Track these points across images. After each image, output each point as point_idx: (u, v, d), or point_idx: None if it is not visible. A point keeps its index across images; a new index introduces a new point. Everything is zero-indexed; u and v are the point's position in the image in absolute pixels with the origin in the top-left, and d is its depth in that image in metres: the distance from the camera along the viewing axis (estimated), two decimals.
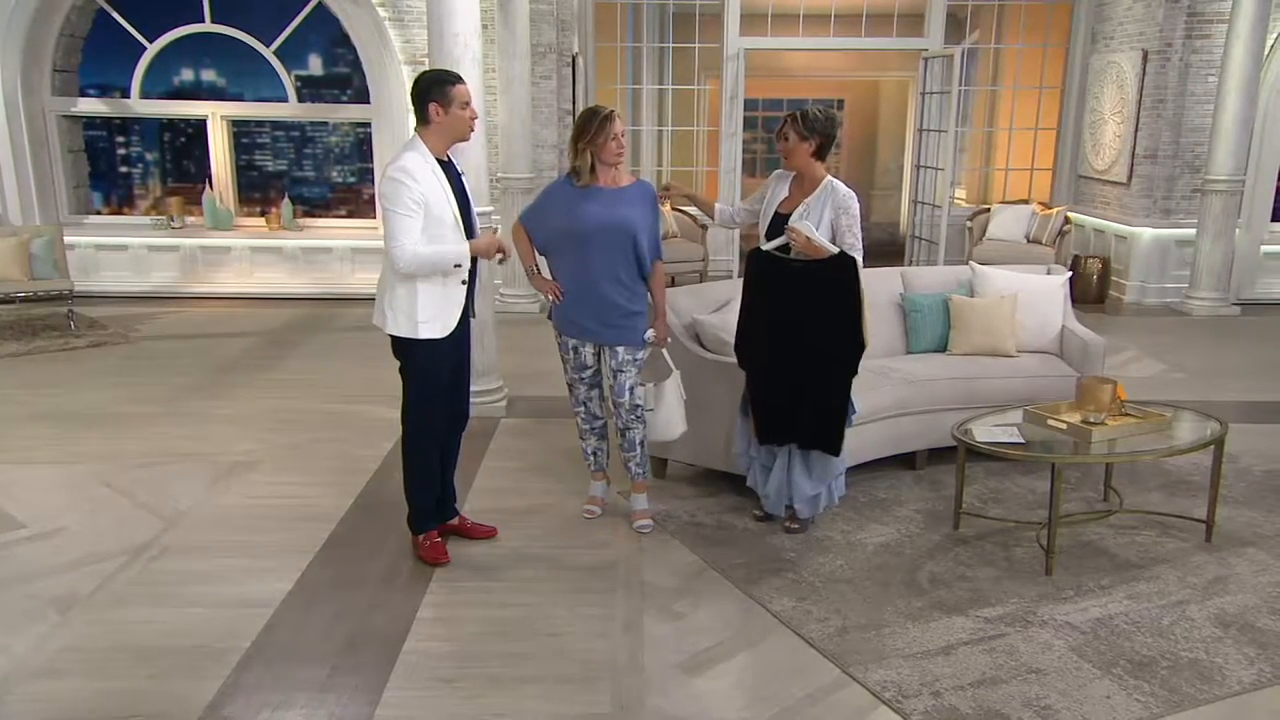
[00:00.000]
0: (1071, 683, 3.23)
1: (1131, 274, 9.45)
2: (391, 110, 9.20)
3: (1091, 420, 4.10)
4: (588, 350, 4.26)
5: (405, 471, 4.05)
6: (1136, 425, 4.17)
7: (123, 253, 9.44)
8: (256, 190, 10.43)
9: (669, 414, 4.31)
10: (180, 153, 10.71)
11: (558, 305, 4.23)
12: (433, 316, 3.79)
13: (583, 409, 4.40)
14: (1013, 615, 3.66)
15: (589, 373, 4.30)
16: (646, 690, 3.19)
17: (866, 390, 4.50)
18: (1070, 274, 5.76)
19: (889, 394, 4.84)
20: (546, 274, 4.29)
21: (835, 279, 4.01)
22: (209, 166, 9.68)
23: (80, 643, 3.45)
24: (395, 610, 3.68)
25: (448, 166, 3.80)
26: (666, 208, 9.31)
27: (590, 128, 4.04)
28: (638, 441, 4.31)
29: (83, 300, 8.47)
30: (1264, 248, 9.56)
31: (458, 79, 3.79)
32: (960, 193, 11.54)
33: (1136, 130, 9.25)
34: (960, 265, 6.14)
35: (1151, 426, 4.20)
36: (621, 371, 4.20)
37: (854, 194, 4.09)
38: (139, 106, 9.63)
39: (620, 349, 4.18)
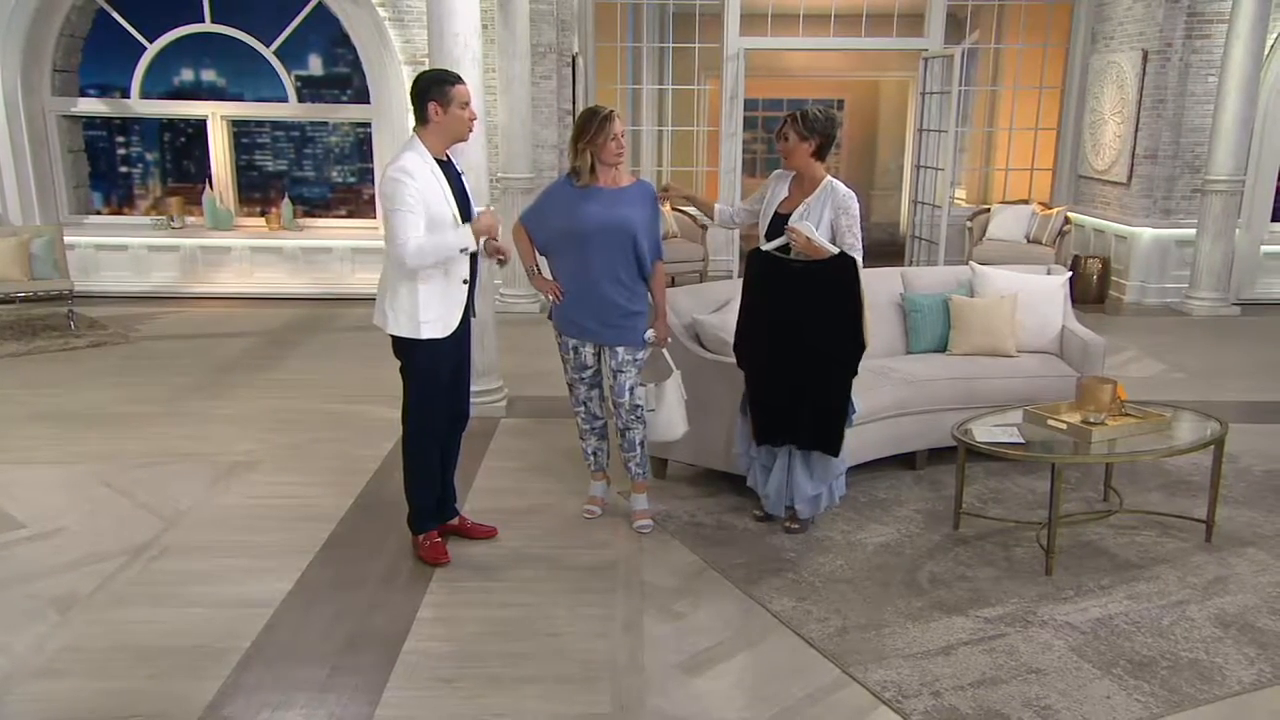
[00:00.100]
0: (1071, 683, 3.23)
1: (1131, 274, 9.45)
2: (391, 110, 9.20)
3: (1091, 420, 4.10)
4: (588, 350, 4.26)
5: (405, 471, 4.05)
6: (1136, 425, 4.17)
7: (123, 253, 9.44)
8: (256, 190, 10.44)
9: (670, 414, 4.31)
10: (180, 153, 10.71)
11: (558, 305, 4.23)
12: (435, 316, 3.79)
13: (583, 409, 4.40)
14: (1013, 615, 3.66)
15: (589, 373, 4.30)
16: (646, 690, 3.19)
17: (866, 390, 4.50)
18: (1070, 274, 5.77)
19: (889, 394, 4.84)
20: (547, 274, 4.29)
21: (835, 279, 4.01)
22: (209, 166, 9.68)
23: (80, 643, 3.45)
24: (395, 610, 3.68)
25: (447, 166, 3.80)
26: (666, 208, 9.31)
27: (590, 128, 4.04)
28: (638, 442, 4.31)
29: (83, 300, 8.47)
30: (1264, 248, 9.56)
31: (457, 79, 3.79)
32: (960, 193, 11.54)
33: (1136, 130, 9.25)
34: (960, 265, 6.14)
35: (1151, 426, 4.20)
36: (621, 372, 4.20)
37: (854, 194, 4.09)
38: (139, 106, 9.64)
39: (620, 349, 4.18)
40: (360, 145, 10.34)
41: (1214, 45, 8.88)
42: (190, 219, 9.65)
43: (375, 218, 9.71)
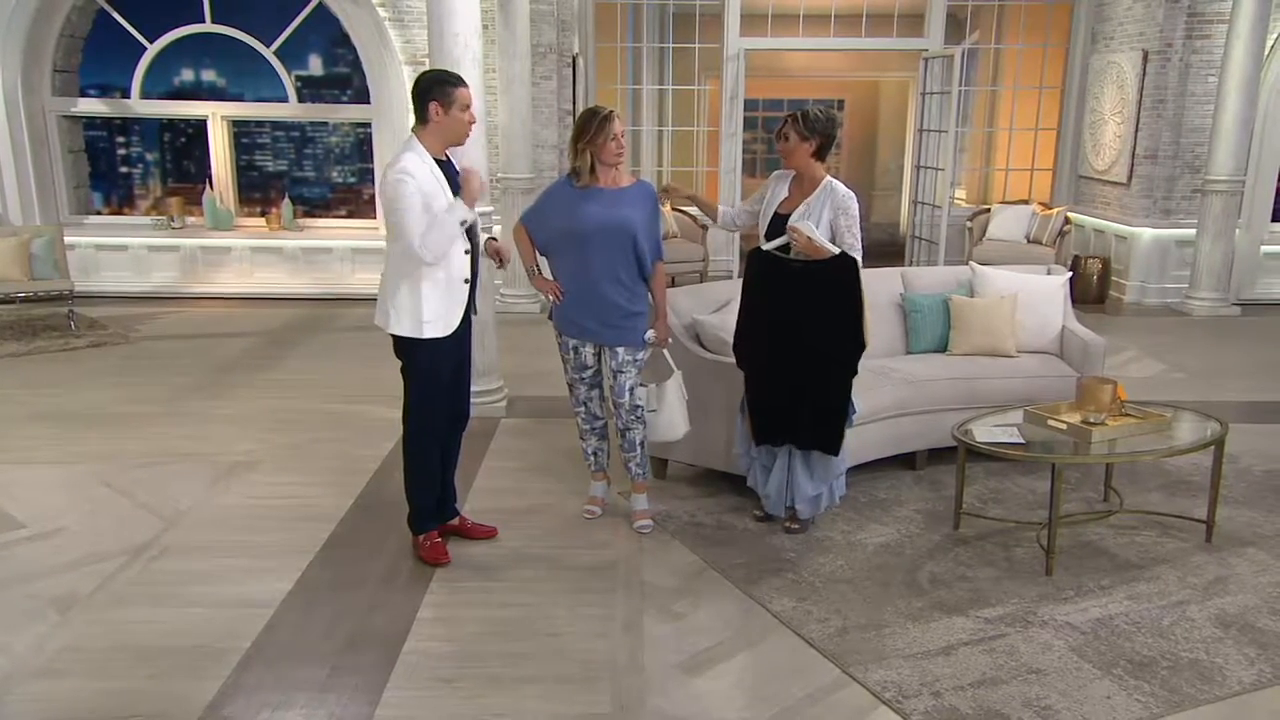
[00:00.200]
0: (1072, 683, 3.23)
1: (1131, 274, 9.45)
2: (392, 110, 9.20)
3: (1091, 420, 4.09)
4: (588, 350, 4.26)
5: (406, 471, 4.05)
6: (1136, 425, 4.17)
7: (123, 253, 9.45)
8: (257, 190, 10.44)
9: (671, 414, 4.31)
10: (180, 153, 10.71)
11: (558, 305, 4.23)
12: (436, 316, 3.79)
13: (583, 409, 4.40)
14: (1013, 615, 3.66)
15: (589, 373, 4.30)
16: (646, 690, 3.19)
17: (866, 390, 4.50)
18: (1070, 274, 5.76)
19: (889, 394, 4.84)
20: (547, 274, 4.29)
21: (836, 279, 4.01)
22: (209, 167, 9.69)
23: (80, 643, 3.45)
24: (395, 610, 3.68)
25: (446, 166, 3.80)
26: (667, 208, 9.31)
27: (590, 128, 4.04)
28: (638, 442, 4.31)
29: (83, 300, 8.47)
30: (1264, 248, 9.56)
31: (461, 81, 3.79)
32: (960, 193, 11.54)
33: (1137, 130, 9.25)
34: (960, 265, 6.14)
35: (1151, 427, 4.20)
36: (622, 372, 4.20)
37: (853, 194, 4.09)
38: (139, 107, 9.64)
39: (620, 349, 4.18)
40: (360, 145, 10.34)
41: (1214, 45, 8.88)
42: (190, 219, 9.66)
43: (375, 218, 9.71)
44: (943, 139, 9.84)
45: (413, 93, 3.77)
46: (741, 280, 4.34)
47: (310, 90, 9.86)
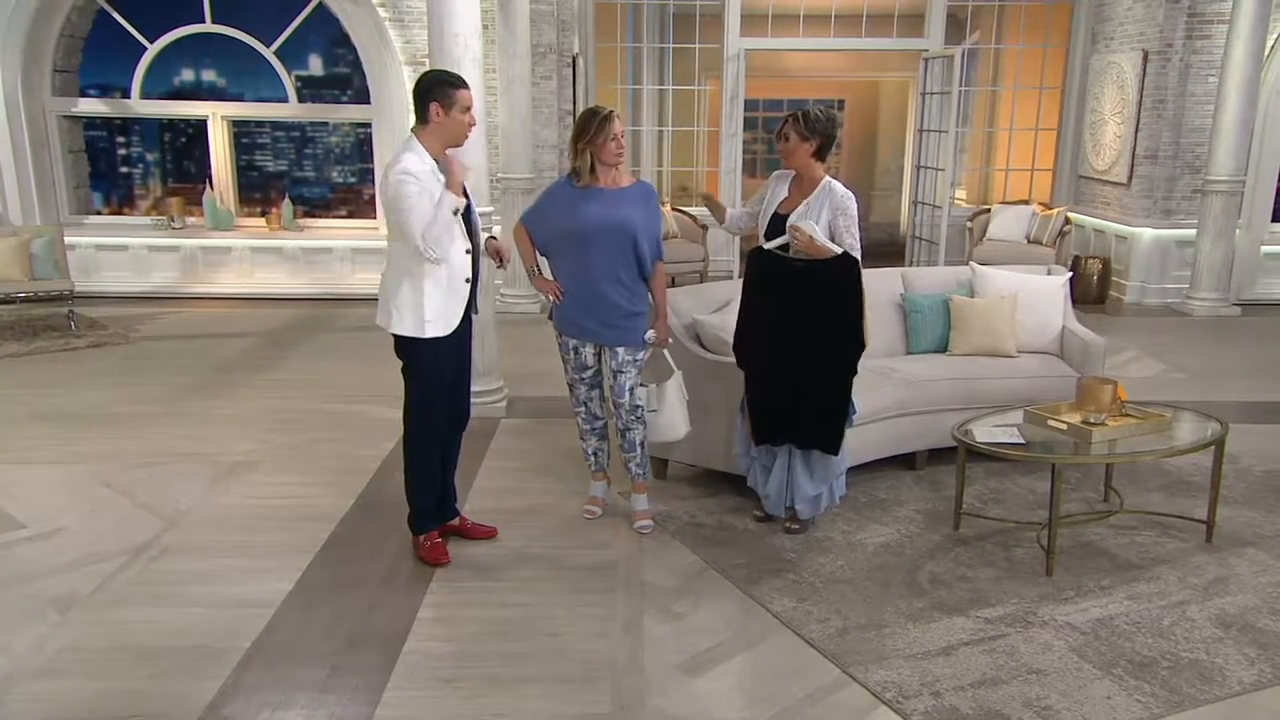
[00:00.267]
0: (1072, 683, 3.23)
1: (1132, 274, 9.45)
2: (392, 110, 9.20)
3: (1092, 421, 4.09)
4: (588, 350, 4.26)
5: (406, 471, 4.05)
6: (1137, 426, 4.17)
7: (123, 253, 9.45)
8: (257, 190, 10.44)
9: (671, 415, 4.31)
10: (180, 153, 10.71)
11: (558, 305, 4.23)
12: (438, 315, 3.79)
13: (583, 409, 4.40)
14: (1013, 616, 3.65)
15: (589, 373, 4.30)
16: (646, 690, 3.19)
17: (866, 390, 4.50)
18: (1070, 274, 5.76)
19: (889, 394, 4.84)
20: (547, 274, 4.29)
21: (837, 279, 4.01)
22: (209, 167, 9.69)
23: (80, 643, 3.45)
24: (395, 610, 3.67)
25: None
26: (667, 208, 9.31)
27: (589, 128, 4.04)
28: (638, 442, 4.31)
29: (83, 300, 8.47)
30: (1264, 248, 9.56)
31: (463, 83, 3.79)
32: (960, 193, 11.54)
33: (1137, 131, 9.25)
34: (960, 266, 6.14)
35: (1152, 427, 4.20)
36: (622, 372, 4.20)
37: (852, 195, 4.08)
38: (139, 107, 9.64)
39: (620, 350, 4.18)
40: (360, 145, 10.34)
41: (1214, 46, 8.88)
42: (190, 219, 9.66)
43: (375, 218, 9.71)
44: (943, 139, 9.84)
45: (414, 92, 3.77)
46: (742, 280, 4.34)
47: (310, 90, 9.87)
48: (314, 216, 10.08)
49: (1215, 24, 8.86)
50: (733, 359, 4.33)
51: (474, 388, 4.45)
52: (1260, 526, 4.44)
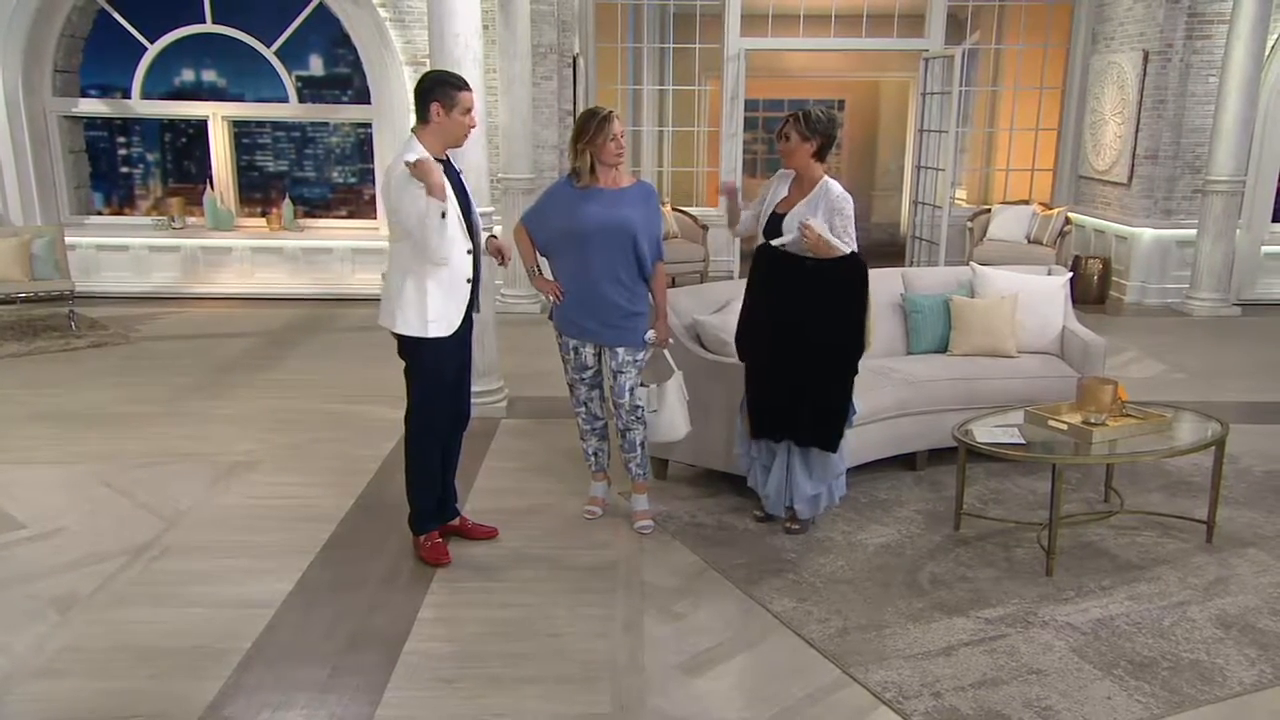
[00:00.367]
0: (1072, 683, 3.23)
1: (1132, 274, 9.45)
2: (392, 111, 9.20)
3: (1092, 421, 4.09)
4: (588, 351, 4.26)
5: (408, 472, 4.05)
6: (1137, 426, 4.17)
7: (123, 253, 9.45)
8: (257, 191, 10.44)
9: (672, 415, 4.31)
10: (181, 153, 10.72)
11: (558, 306, 4.23)
12: (441, 315, 3.80)
13: (583, 409, 4.40)
14: (1013, 616, 3.65)
15: (590, 373, 4.30)
16: (647, 690, 3.19)
17: (867, 391, 4.50)
18: (1071, 274, 5.76)
19: (889, 394, 4.84)
20: (548, 274, 4.29)
21: (846, 280, 4.02)
22: (210, 167, 9.69)
23: (80, 643, 3.45)
24: (396, 611, 3.67)
25: (446, 166, 3.80)
26: (667, 208, 9.31)
27: (589, 128, 4.04)
28: (638, 442, 4.31)
29: (83, 301, 8.47)
30: (1264, 248, 9.56)
31: (465, 85, 3.79)
32: (961, 193, 11.54)
33: (1137, 131, 9.25)
34: (961, 266, 6.14)
35: (1152, 427, 4.20)
36: (622, 372, 4.20)
37: (849, 196, 4.08)
38: (140, 107, 9.64)
39: (620, 350, 4.18)
40: (361, 146, 10.35)
41: (1215, 46, 8.88)
42: (191, 219, 9.66)
43: (376, 218, 9.72)
44: (943, 139, 9.84)
45: (415, 92, 3.77)
46: (741, 280, 4.34)
47: (311, 90, 9.87)
48: (314, 217, 10.08)
49: (1215, 24, 8.86)
50: (733, 359, 4.33)
51: (474, 388, 4.45)
52: (1261, 527, 4.44)
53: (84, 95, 9.68)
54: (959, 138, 10.37)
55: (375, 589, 3.85)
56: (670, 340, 4.38)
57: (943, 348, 5.41)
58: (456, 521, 4.26)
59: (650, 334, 4.22)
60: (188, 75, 9.93)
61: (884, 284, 5.46)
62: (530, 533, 4.34)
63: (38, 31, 9.06)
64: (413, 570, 3.99)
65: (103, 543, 4.19)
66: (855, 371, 4.17)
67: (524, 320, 8.34)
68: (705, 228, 9.70)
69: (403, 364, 3.94)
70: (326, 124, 10.33)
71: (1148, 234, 9.30)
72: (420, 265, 3.73)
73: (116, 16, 9.33)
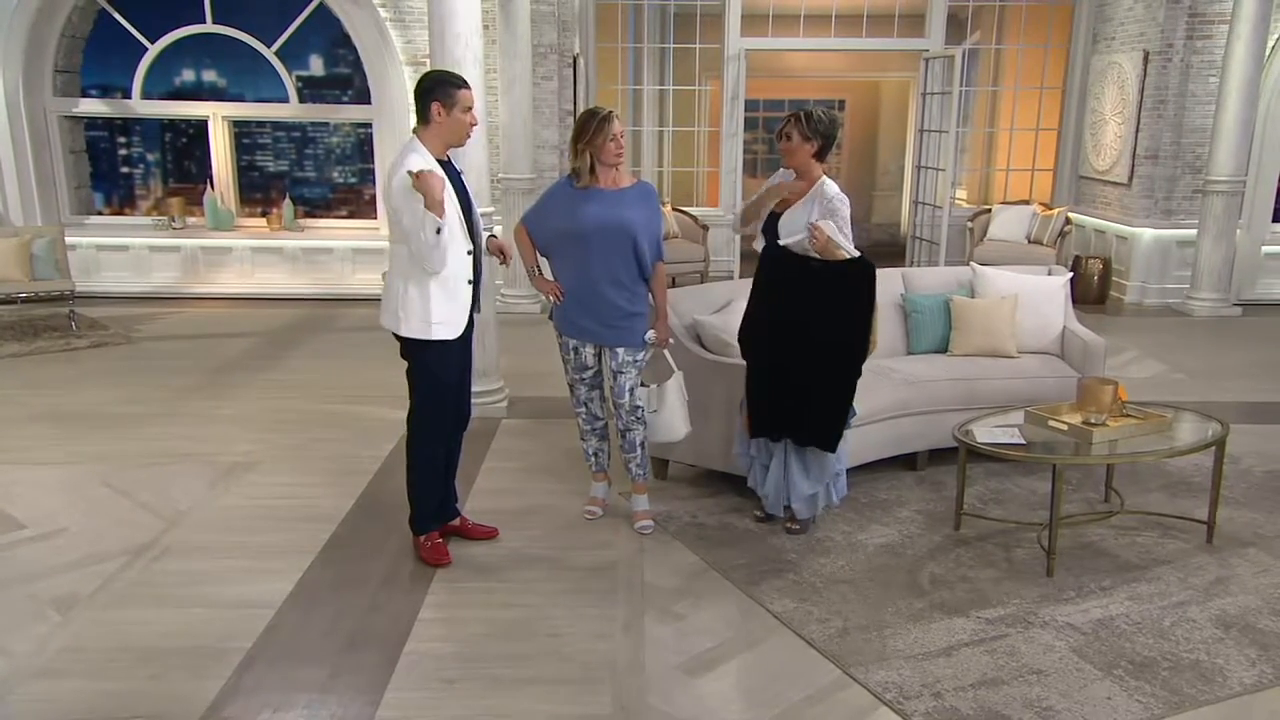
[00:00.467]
0: (1073, 684, 3.23)
1: (1132, 274, 9.45)
2: (393, 111, 9.20)
3: (1092, 421, 4.09)
4: (588, 351, 4.26)
5: (410, 472, 4.05)
6: (1137, 426, 4.17)
7: (124, 253, 9.45)
8: (258, 191, 10.44)
9: (671, 415, 4.30)
10: (181, 153, 10.72)
11: (558, 306, 4.23)
12: (445, 318, 3.80)
13: (584, 410, 4.40)
14: (1014, 616, 3.65)
15: (590, 373, 4.30)
16: (647, 691, 3.19)
17: (867, 391, 4.49)
18: (1071, 274, 5.76)
19: (890, 395, 4.83)
20: (548, 275, 4.29)
21: (853, 282, 4.01)
22: (210, 167, 9.69)
23: (81, 643, 3.45)
24: (396, 611, 3.68)
25: (447, 166, 3.80)
26: (667, 208, 9.30)
27: (589, 129, 4.04)
28: (638, 443, 4.31)
29: (84, 301, 8.48)
30: (1265, 248, 9.56)
31: (464, 83, 3.79)
32: (961, 193, 11.54)
33: (1137, 131, 9.25)
34: (961, 266, 6.14)
35: (1152, 427, 4.20)
36: (622, 373, 4.20)
37: (845, 197, 4.09)
38: (140, 107, 9.64)
39: (620, 350, 4.18)
40: (361, 146, 10.35)
41: (1215, 46, 8.88)
42: (191, 219, 9.66)
43: (376, 218, 9.72)
44: (943, 139, 9.84)
45: (415, 92, 3.77)
46: (739, 279, 4.33)
47: (311, 90, 9.87)
48: (314, 217, 10.08)
49: (1216, 24, 8.86)
50: (732, 360, 4.33)
51: (474, 388, 4.45)
52: (1261, 527, 4.44)
53: (84, 95, 9.68)
54: (959, 138, 10.37)
55: (375, 589, 3.85)
56: (670, 340, 4.38)
57: (943, 348, 5.41)
58: (457, 522, 4.26)
59: (650, 334, 4.22)
60: (188, 75, 9.93)
61: (884, 284, 5.39)
62: (530, 533, 4.34)
63: (38, 31, 9.06)
64: (413, 570, 3.99)
65: (103, 543, 4.19)
66: (859, 373, 4.17)
67: (524, 320, 8.34)
68: (706, 228, 9.70)
69: (404, 365, 3.94)
70: (327, 124, 10.33)
71: (1148, 234, 9.31)
72: (421, 268, 3.73)
73: (117, 16, 9.33)
